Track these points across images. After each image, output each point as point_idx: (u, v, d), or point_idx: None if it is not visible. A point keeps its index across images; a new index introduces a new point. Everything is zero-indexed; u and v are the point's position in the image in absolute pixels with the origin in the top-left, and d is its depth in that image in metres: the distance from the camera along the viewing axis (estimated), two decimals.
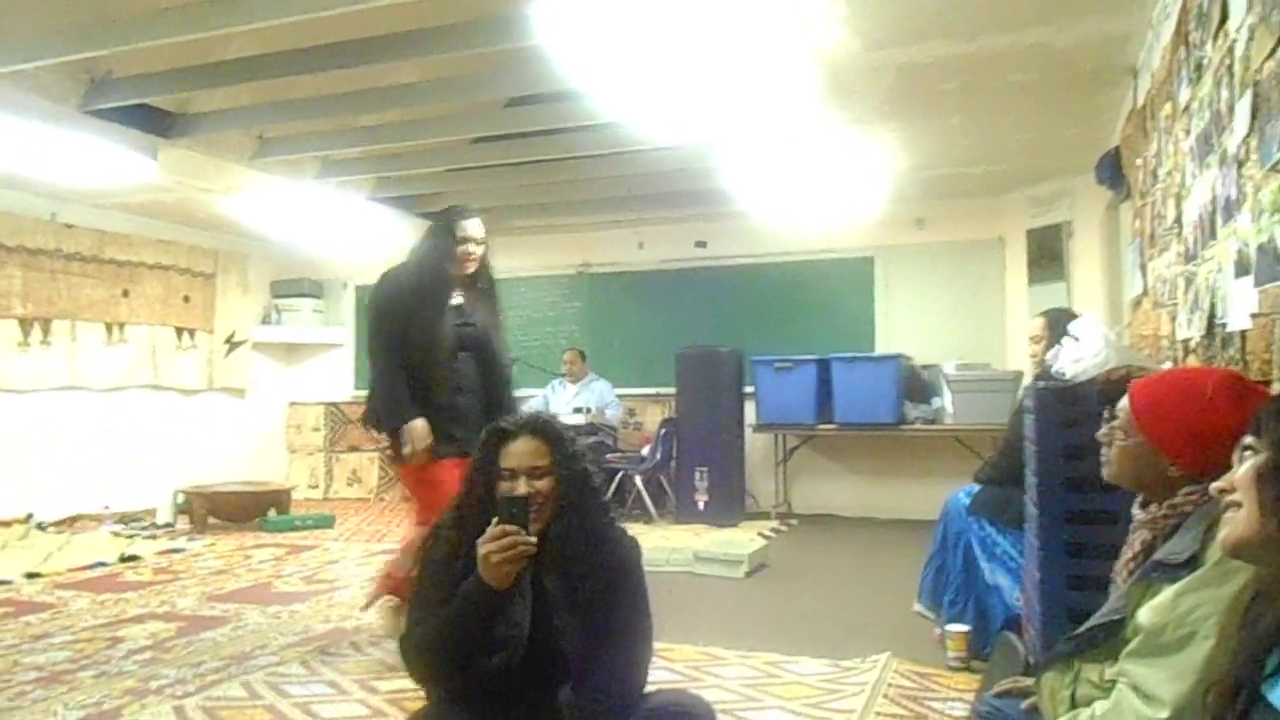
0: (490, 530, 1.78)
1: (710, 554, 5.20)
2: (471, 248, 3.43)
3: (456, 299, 3.47)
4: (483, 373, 3.49)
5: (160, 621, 4.09)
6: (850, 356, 6.84)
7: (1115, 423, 1.70)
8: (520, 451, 1.88)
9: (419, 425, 3.31)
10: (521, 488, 1.85)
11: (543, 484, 1.87)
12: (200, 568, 5.36)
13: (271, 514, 6.95)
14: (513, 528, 1.77)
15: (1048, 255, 6.46)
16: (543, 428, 1.92)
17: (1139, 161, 4.06)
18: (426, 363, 3.36)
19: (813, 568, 5.36)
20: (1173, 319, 3.27)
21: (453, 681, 1.84)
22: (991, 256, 7.08)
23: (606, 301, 8.19)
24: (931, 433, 6.69)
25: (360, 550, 5.95)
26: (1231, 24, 2.32)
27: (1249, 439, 1.18)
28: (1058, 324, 3.40)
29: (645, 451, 7.36)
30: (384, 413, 3.43)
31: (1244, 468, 1.18)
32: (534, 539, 1.78)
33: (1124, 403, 1.70)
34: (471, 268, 3.46)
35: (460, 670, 1.82)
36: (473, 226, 3.45)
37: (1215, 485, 1.22)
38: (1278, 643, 1.07)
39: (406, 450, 3.31)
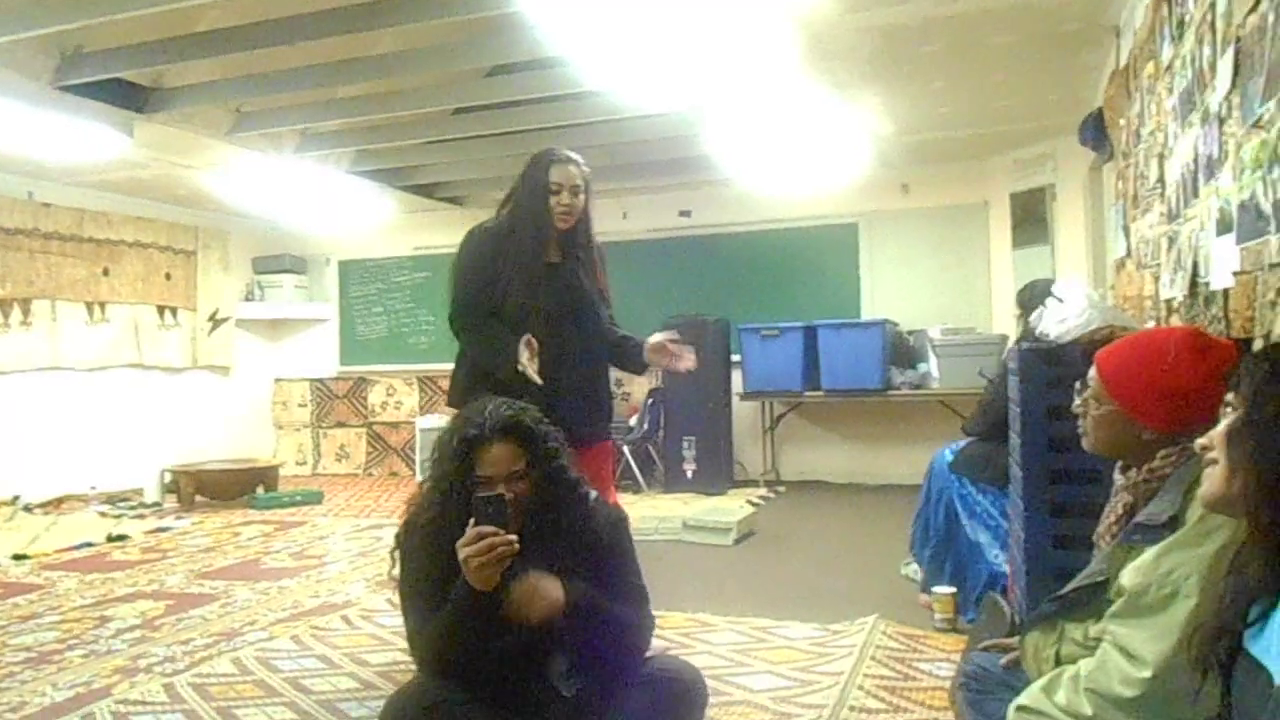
0: (468, 534, 1.75)
1: (699, 522, 5.22)
2: (565, 198, 2.86)
3: (554, 257, 2.93)
4: (586, 344, 2.93)
5: (149, 600, 4.09)
6: (836, 323, 6.84)
7: (1087, 393, 1.71)
8: (495, 458, 1.85)
9: (523, 341, 2.69)
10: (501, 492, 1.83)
11: (521, 486, 1.85)
12: (188, 546, 5.36)
13: (259, 491, 6.94)
14: (490, 529, 1.74)
15: (1031, 218, 6.46)
16: (514, 429, 1.88)
17: (1121, 122, 4.05)
18: (520, 334, 2.76)
19: (800, 534, 5.39)
20: (1156, 279, 3.27)
21: (468, 673, 1.83)
22: (976, 221, 7.07)
23: None
24: (918, 397, 6.71)
25: (349, 525, 5.95)
26: None
27: (1229, 395, 1.18)
28: (1029, 302, 3.43)
29: (633, 421, 7.36)
30: (467, 386, 2.87)
31: (1220, 425, 1.19)
32: (513, 538, 1.75)
33: (1093, 372, 1.70)
34: (566, 222, 2.89)
35: (470, 661, 1.82)
36: (566, 172, 2.87)
37: (1199, 441, 1.23)
38: (1261, 592, 1.08)
39: (524, 362, 2.67)
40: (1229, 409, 1.18)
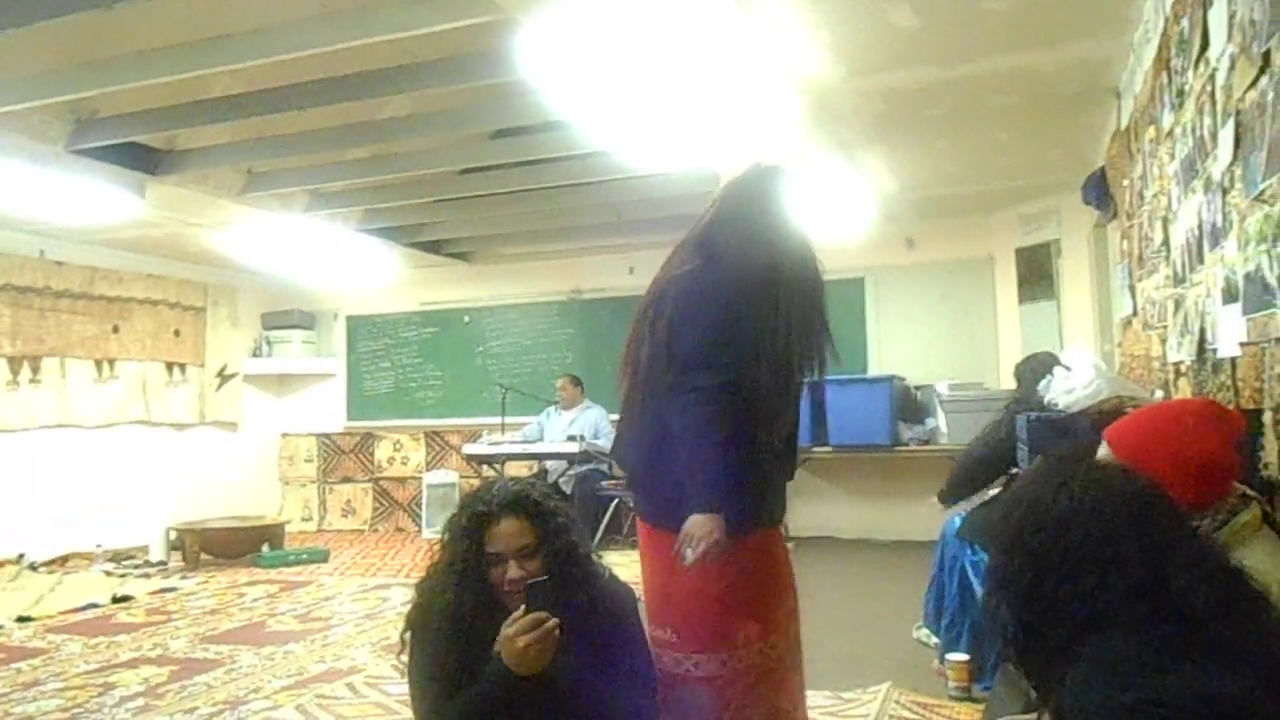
0: (521, 621, 1.73)
1: None
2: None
3: None
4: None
5: (153, 666, 4.04)
6: (843, 378, 6.81)
7: None
8: (505, 534, 1.85)
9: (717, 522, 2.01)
10: (513, 571, 1.82)
11: (533, 564, 1.84)
12: (193, 607, 5.31)
13: (265, 549, 6.90)
14: (543, 615, 1.73)
15: (1037, 274, 6.48)
16: (523, 505, 1.88)
17: (1125, 182, 4.08)
18: (767, 391, 2.08)
19: (811, 593, 5.27)
20: (1163, 341, 3.27)
21: None
22: (982, 275, 7.09)
23: (598, 327, 8.18)
24: (926, 453, 6.67)
25: (355, 585, 5.90)
26: (1212, 52, 2.33)
27: None
28: (1027, 374, 3.43)
29: None
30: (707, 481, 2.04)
31: None
32: (558, 621, 1.74)
33: (1104, 451, 1.68)
34: None
35: None
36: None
37: None
38: None
39: (695, 548, 1.98)
40: None
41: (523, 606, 1.75)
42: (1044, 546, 1.21)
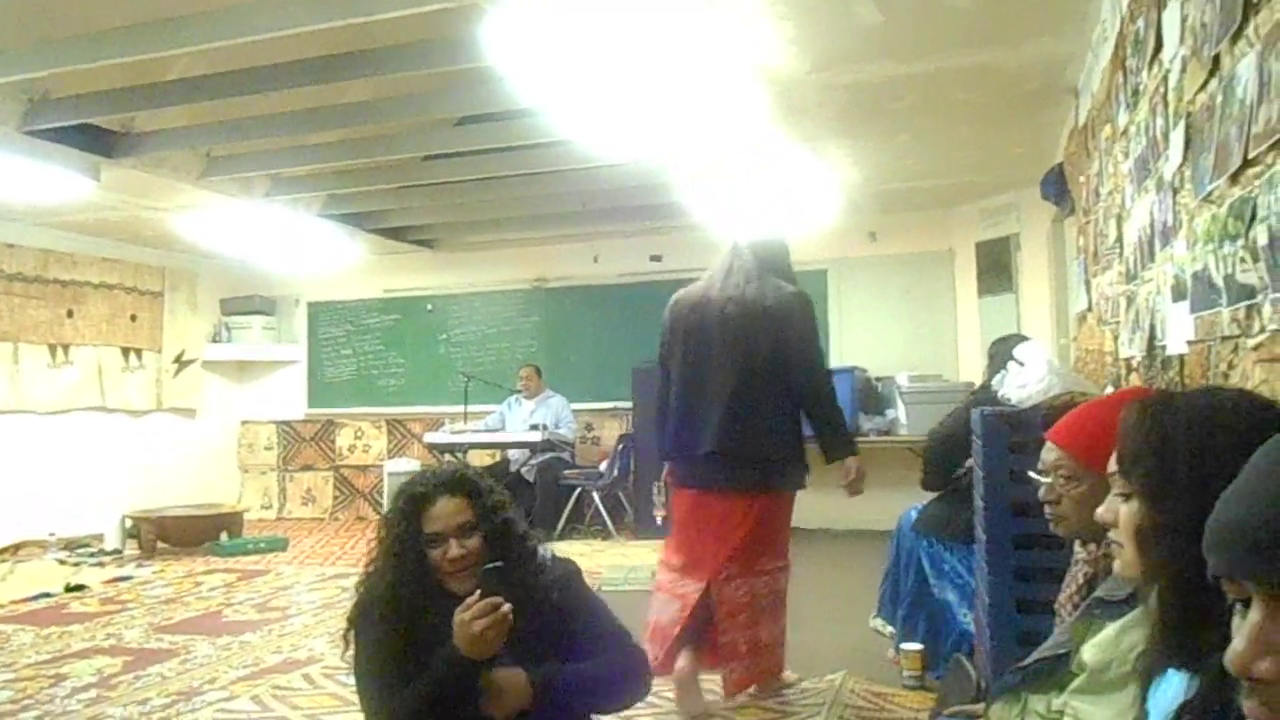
0: (477, 605, 1.72)
1: None
2: None
3: None
4: None
5: (106, 656, 4.00)
6: None
7: (1056, 476, 1.65)
8: (444, 513, 1.84)
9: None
10: (454, 550, 1.82)
11: (472, 542, 1.84)
12: (149, 597, 5.25)
13: (223, 538, 6.83)
14: (499, 599, 1.73)
15: (997, 267, 6.56)
16: (459, 483, 1.88)
17: (1081, 179, 4.14)
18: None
19: None
20: (1116, 337, 3.33)
21: None
22: (942, 269, 7.16)
23: (562, 316, 8.17)
24: (886, 444, 6.73)
25: (314, 574, 5.86)
26: (1165, 54, 2.37)
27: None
28: (997, 356, 3.49)
29: (603, 467, 7.34)
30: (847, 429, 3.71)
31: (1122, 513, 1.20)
32: (510, 605, 1.74)
33: (1054, 454, 1.66)
34: None
35: None
36: None
37: (1099, 513, 1.24)
38: None
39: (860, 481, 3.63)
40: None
41: (478, 592, 1.75)
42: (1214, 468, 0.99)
